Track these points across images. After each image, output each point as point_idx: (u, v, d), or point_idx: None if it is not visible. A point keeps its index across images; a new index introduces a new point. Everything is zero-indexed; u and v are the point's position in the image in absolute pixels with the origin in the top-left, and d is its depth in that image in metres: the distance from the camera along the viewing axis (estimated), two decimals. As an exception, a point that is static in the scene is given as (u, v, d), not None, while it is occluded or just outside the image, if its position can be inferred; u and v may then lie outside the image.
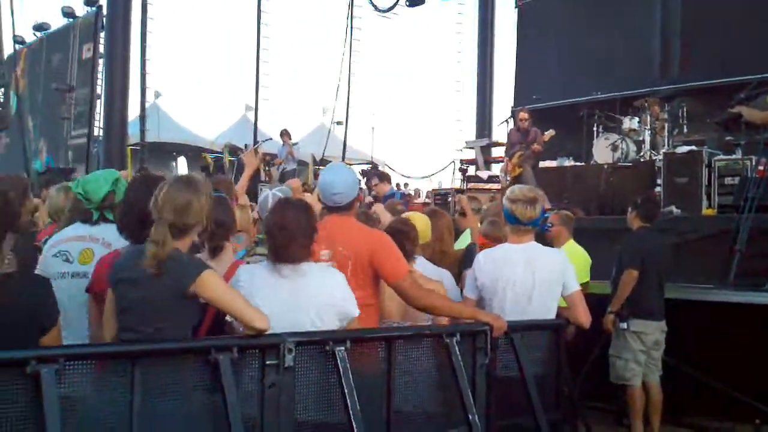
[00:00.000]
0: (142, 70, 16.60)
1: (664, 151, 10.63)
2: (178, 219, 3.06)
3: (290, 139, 16.50)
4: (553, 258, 4.56)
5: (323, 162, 17.72)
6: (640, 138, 11.57)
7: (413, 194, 16.44)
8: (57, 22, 19.63)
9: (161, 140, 20.51)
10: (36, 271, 3.59)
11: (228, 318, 3.22)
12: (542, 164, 12.22)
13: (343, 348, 3.28)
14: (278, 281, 3.38)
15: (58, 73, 19.00)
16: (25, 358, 2.60)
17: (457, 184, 14.23)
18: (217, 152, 18.60)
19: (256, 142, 18.25)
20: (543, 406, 4.04)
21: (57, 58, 19.29)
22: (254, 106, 20.10)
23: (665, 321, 6.54)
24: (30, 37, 21.07)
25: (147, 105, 17.57)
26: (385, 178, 11.29)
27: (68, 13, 18.57)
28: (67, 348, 2.86)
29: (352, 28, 20.25)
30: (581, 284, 6.55)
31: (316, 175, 15.52)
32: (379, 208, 6.20)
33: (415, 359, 3.70)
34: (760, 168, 7.73)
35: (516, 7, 16.85)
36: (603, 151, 11.53)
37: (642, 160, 11.15)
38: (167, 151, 24.09)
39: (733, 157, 9.20)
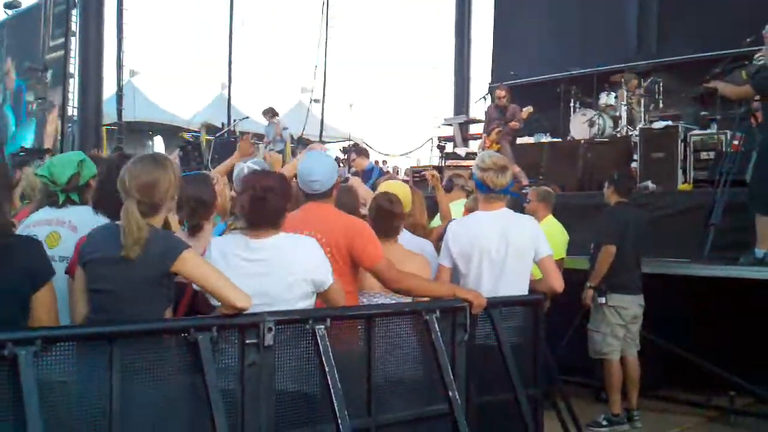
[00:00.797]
0: (119, 48, 16.37)
1: (640, 126, 10.67)
2: (146, 197, 3.05)
3: (275, 116, 16.17)
4: (524, 224, 4.60)
5: (301, 141, 17.63)
6: (617, 113, 11.58)
7: (392, 171, 16.41)
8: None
9: (137, 119, 20.29)
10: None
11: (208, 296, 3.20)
12: (520, 140, 12.22)
13: (323, 326, 3.28)
14: (250, 253, 3.37)
15: (31, 52, 18.72)
16: (2, 340, 2.57)
17: (435, 162, 14.22)
18: (193, 131, 18.44)
19: (229, 120, 18.12)
20: (522, 381, 4.07)
21: (29, 38, 18.99)
22: (228, 84, 19.93)
23: (642, 295, 6.62)
24: (1, 15, 20.74)
25: (122, 84, 17.35)
26: (363, 153, 11.25)
27: (40, -9, 18.28)
28: (44, 330, 2.83)
29: (329, 5, 20.11)
30: (557, 260, 6.65)
31: (293, 153, 15.44)
32: (355, 181, 6.18)
33: (395, 336, 3.72)
34: (735, 143, 7.78)
35: (494, -16, 16.82)
36: (580, 126, 11.55)
37: (618, 135, 11.18)
38: (143, 130, 23.84)
39: (709, 131, 9.25)
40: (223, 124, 17.82)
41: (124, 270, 2.98)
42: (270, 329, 3.14)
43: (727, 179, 7.34)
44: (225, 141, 15.54)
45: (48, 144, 17.23)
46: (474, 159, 11.99)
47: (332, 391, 3.21)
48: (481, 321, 4.04)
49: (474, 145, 14.45)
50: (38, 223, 3.70)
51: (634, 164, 9.67)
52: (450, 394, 3.64)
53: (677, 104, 11.34)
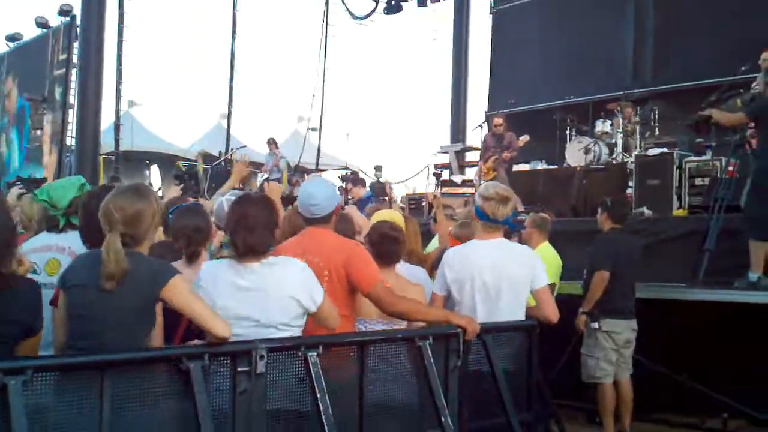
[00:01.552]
0: (118, 79, 16.48)
1: (636, 153, 10.74)
2: (130, 229, 3.04)
3: (277, 148, 16.51)
4: (521, 254, 4.61)
5: (298, 169, 17.70)
6: (613, 141, 11.67)
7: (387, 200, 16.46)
8: (31, 32, 19.42)
9: (134, 148, 20.35)
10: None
11: None
12: (516, 167, 12.32)
13: (315, 353, 3.28)
14: (240, 279, 3.37)
15: (31, 83, 18.81)
16: (-9, 369, 2.57)
17: (432, 189, 14.26)
18: (190, 160, 18.48)
19: (228, 149, 18.20)
20: (515, 406, 4.06)
21: (30, 69, 19.09)
22: (227, 113, 20.04)
23: (636, 320, 6.62)
24: (2, 47, 20.86)
25: (120, 113, 17.45)
26: (360, 182, 11.35)
27: (42, 23, 18.38)
28: (34, 359, 2.83)
29: (327, 35, 20.26)
30: (549, 285, 6.65)
31: (290, 182, 15.50)
32: (351, 210, 6.22)
33: (389, 363, 3.72)
34: (730, 169, 7.82)
35: (491, 14, 17.00)
36: (576, 154, 11.62)
37: (614, 162, 11.25)
38: (140, 159, 23.88)
39: (704, 158, 9.32)
40: (220, 153, 17.87)
41: (108, 296, 2.95)
42: (262, 356, 3.13)
43: (722, 205, 7.38)
44: (221, 169, 15.59)
45: (47, 173, 17.26)
46: (470, 186, 12.17)
47: (323, 417, 3.19)
48: (475, 346, 4.03)
49: (470, 173, 14.50)
50: (37, 250, 3.70)
51: (629, 191, 9.71)
52: (443, 419, 3.63)
53: (672, 132, 11.42)
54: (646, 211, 8.85)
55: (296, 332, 3.44)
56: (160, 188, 18.87)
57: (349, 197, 12.48)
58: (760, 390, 6.61)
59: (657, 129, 11.80)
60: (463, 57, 19.31)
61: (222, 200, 4.73)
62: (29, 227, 4.48)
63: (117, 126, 16.97)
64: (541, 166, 12.85)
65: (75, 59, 16.29)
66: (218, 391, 3.12)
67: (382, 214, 5.11)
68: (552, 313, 4.51)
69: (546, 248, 6.94)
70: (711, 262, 7.05)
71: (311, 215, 3.98)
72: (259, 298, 3.36)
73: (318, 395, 3.21)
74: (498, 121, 12.07)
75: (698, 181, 8.98)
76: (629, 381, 6.65)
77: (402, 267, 4.63)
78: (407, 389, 3.81)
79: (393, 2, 18.49)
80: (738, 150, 7.86)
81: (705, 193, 8.57)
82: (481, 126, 14.63)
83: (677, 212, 8.91)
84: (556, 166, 12.44)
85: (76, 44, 16.18)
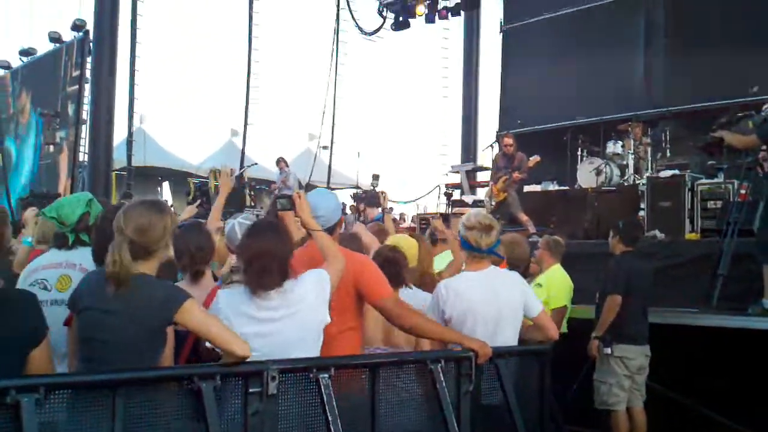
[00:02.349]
0: (131, 95, 16.58)
1: (647, 175, 10.70)
2: (139, 239, 3.03)
3: (287, 166, 16.65)
4: (512, 281, 4.53)
5: (309, 187, 17.74)
6: (624, 162, 11.63)
7: (398, 219, 16.46)
8: (44, 47, 19.58)
9: (146, 164, 20.45)
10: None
11: (207, 344, 3.19)
12: (527, 188, 12.27)
13: (326, 375, 3.27)
14: (257, 307, 3.35)
15: (44, 98, 18.93)
16: (5, 387, 2.57)
17: (442, 209, 14.26)
18: (202, 177, 18.56)
19: (242, 166, 18.26)
20: (528, 431, 4.03)
21: (43, 84, 19.22)
22: (242, 132, 20.10)
23: (649, 346, 6.57)
24: (16, 62, 21.01)
25: (133, 130, 17.53)
26: (373, 203, 11.33)
27: (55, 38, 18.53)
28: (47, 377, 2.83)
29: (337, 52, 20.36)
30: (559, 308, 6.62)
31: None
32: (359, 228, 6.21)
33: (400, 386, 3.69)
34: (742, 192, 7.77)
35: (501, 32, 17.00)
36: (587, 175, 11.59)
37: (626, 184, 11.22)
38: (152, 175, 24.00)
39: (716, 181, 9.26)
40: (232, 170, 17.91)
41: (120, 319, 2.95)
42: (273, 378, 3.12)
43: (735, 229, 7.32)
44: (234, 187, 15.63)
45: (60, 189, 17.34)
46: (481, 206, 12.14)
47: (336, 440, 3.18)
48: (487, 371, 4.00)
49: (481, 193, 14.48)
50: (47, 267, 3.71)
51: (641, 213, 9.66)
52: (455, 445, 3.61)
53: (684, 153, 11.36)
54: (659, 235, 8.80)
55: (314, 351, 3.44)
56: (171, 205, 18.90)
57: (360, 218, 12.49)
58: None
59: (668, 151, 11.76)
60: (473, 76, 19.37)
61: (234, 223, 4.72)
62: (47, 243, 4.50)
63: (129, 142, 17.03)
64: (553, 186, 12.81)
65: (88, 74, 16.42)
66: (230, 411, 3.10)
67: (397, 239, 5.09)
68: (553, 333, 4.49)
69: (557, 271, 6.91)
70: (724, 286, 6.98)
71: None
72: (278, 331, 3.35)
73: (330, 418, 3.20)
74: (508, 141, 12.04)
75: (710, 204, 8.90)
76: (642, 408, 6.60)
77: (412, 293, 4.57)
78: (418, 412, 3.78)
79: (401, 18, 18.52)
80: (750, 172, 7.82)
81: (717, 217, 8.51)
82: (492, 146, 14.62)
83: (689, 235, 8.84)
84: (567, 187, 12.41)
85: (89, 59, 16.30)
